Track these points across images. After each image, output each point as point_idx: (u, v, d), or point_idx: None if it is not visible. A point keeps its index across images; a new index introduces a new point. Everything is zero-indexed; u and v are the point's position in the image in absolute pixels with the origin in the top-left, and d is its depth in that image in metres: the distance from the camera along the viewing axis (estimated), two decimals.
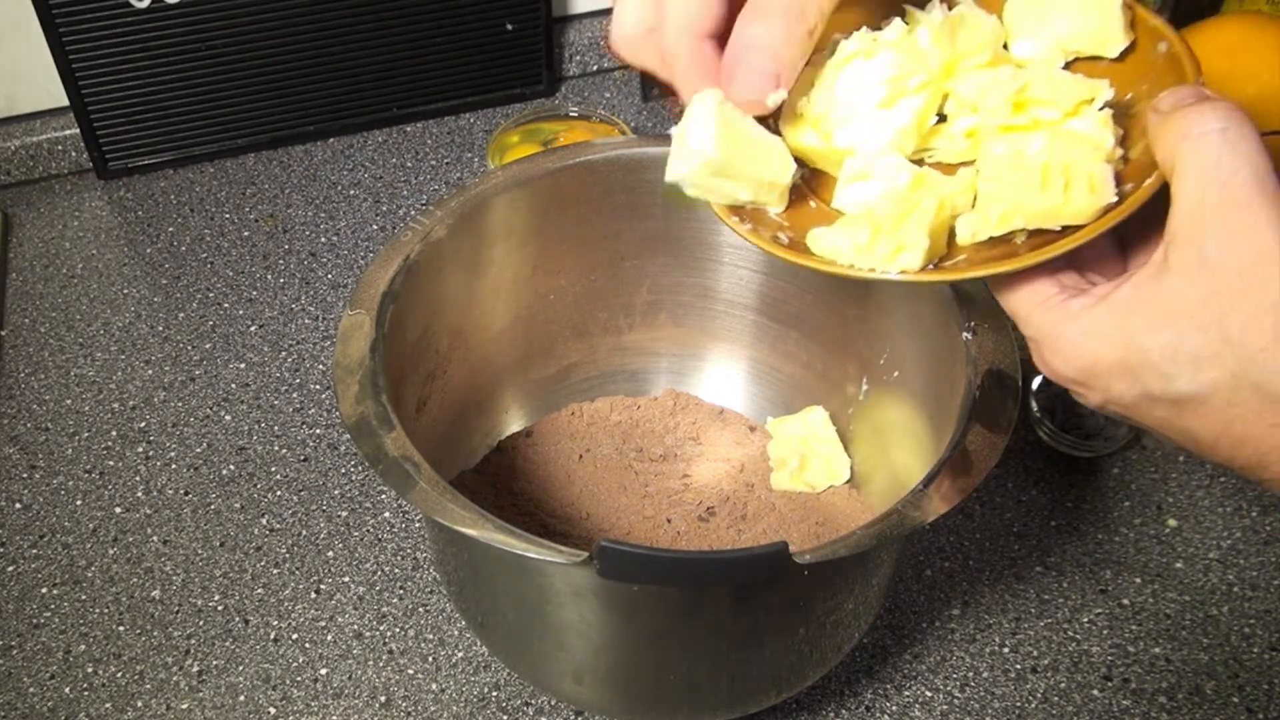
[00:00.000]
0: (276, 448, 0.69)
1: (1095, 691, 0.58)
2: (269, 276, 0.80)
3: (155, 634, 0.60)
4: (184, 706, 0.57)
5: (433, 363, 0.56)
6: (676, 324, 0.65)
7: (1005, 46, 0.41)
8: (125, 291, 0.79)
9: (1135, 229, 0.37)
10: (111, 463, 0.68)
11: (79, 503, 0.66)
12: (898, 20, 0.41)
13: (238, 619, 0.60)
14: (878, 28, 0.41)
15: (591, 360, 0.65)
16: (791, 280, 0.60)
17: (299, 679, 0.58)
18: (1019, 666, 0.59)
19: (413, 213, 0.85)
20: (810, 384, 0.63)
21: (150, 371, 0.73)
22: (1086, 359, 0.35)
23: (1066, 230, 0.36)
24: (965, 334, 0.48)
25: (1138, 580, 0.62)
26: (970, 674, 0.58)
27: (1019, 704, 0.57)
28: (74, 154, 0.87)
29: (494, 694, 0.57)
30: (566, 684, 0.50)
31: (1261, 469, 0.34)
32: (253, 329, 0.76)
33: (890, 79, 0.39)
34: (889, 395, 0.57)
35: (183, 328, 0.76)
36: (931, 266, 0.38)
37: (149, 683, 0.58)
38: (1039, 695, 0.57)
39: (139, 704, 0.57)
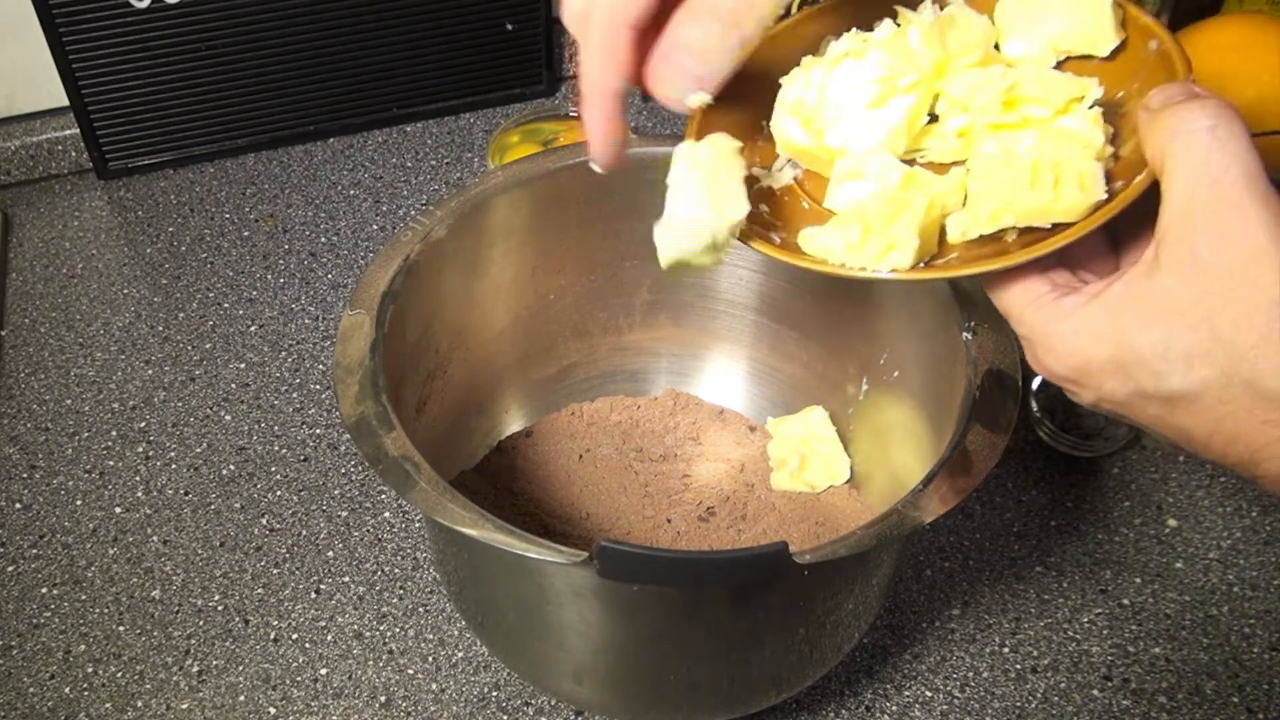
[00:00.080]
0: (276, 448, 0.69)
1: (1095, 691, 0.58)
2: (269, 276, 0.80)
3: (155, 634, 0.60)
4: (184, 706, 0.57)
5: (433, 363, 0.56)
6: (676, 324, 0.65)
7: (997, 46, 0.41)
8: (125, 291, 0.79)
9: (1127, 226, 0.37)
10: (111, 463, 0.68)
11: (79, 503, 0.66)
12: (888, 20, 0.41)
13: (238, 619, 0.60)
14: (869, 28, 0.41)
15: (591, 360, 0.65)
16: (791, 280, 0.60)
17: (299, 679, 0.58)
18: (1019, 666, 0.59)
19: (413, 213, 0.85)
20: (810, 384, 0.63)
21: (150, 371, 0.73)
22: (1079, 357, 0.35)
23: (1057, 228, 0.36)
24: (965, 334, 0.48)
25: (1138, 580, 0.62)
26: (970, 674, 0.58)
27: (1019, 704, 0.57)
28: (74, 154, 0.87)
29: (494, 694, 0.57)
30: (566, 684, 0.50)
31: (1254, 465, 0.34)
32: (253, 329, 0.76)
33: (881, 79, 0.39)
34: (889, 395, 0.57)
35: (183, 328, 0.76)
36: (922, 265, 0.38)
37: (149, 683, 0.58)
38: (1039, 695, 0.57)
39: (139, 704, 0.57)
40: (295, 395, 0.72)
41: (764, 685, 0.50)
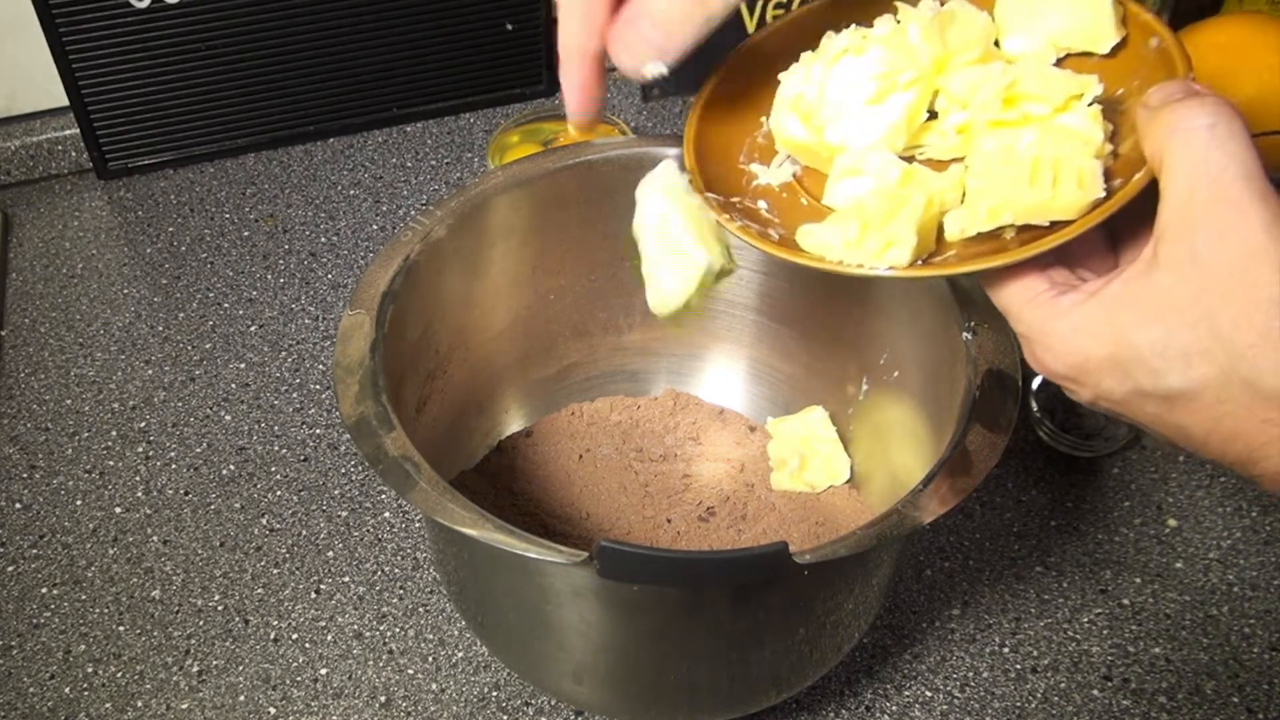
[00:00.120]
0: (276, 448, 0.69)
1: (1095, 691, 0.58)
2: (269, 276, 0.80)
3: (155, 634, 0.60)
4: (184, 706, 0.57)
5: (433, 363, 0.56)
6: (676, 324, 0.65)
7: (997, 43, 0.41)
8: (125, 291, 0.79)
9: (1126, 224, 0.37)
10: (111, 463, 0.68)
11: (79, 503, 0.66)
12: (888, 16, 0.41)
13: (238, 619, 0.60)
14: (869, 24, 0.41)
15: (591, 360, 0.65)
16: (791, 280, 0.60)
17: (299, 679, 0.58)
18: (1019, 666, 0.59)
19: (413, 213, 0.85)
20: (810, 384, 0.63)
21: (150, 371, 0.73)
22: (1077, 355, 0.35)
23: (1055, 225, 0.36)
24: (965, 334, 0.48)
25: (1138, 580, 0.62)
26: (970, 674, 0.58)
27: (1019, 704, 0.57)
28: (74, 154, 0.87)
29: (494, 694, 0.57)
30: (566, 684, 0.50)
31: (1252, 464, 0.34)
32: (253, 329, 0.76)
33: (880, 75, 0.39)
34: (889, 395, 0.57)
35: (183, 328, 0.76)
36: (920, 262, 0.38)
37: (149, 683, 0.58)
38: (1039, 695, 0.57)
39: (139, 704, 0.57)
40: (295, 395, 0.72)
41: (764, 685, 0.50)
